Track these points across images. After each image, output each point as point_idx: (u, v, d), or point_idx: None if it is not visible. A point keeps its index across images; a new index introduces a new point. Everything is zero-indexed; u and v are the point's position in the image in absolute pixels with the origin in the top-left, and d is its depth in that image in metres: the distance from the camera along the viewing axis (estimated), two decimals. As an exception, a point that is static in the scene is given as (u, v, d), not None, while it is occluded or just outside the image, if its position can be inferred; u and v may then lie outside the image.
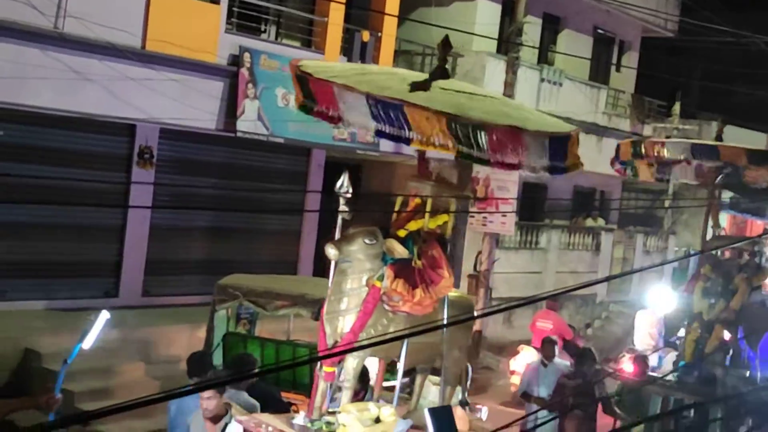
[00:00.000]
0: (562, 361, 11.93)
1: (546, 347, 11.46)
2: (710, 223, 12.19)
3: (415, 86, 6.53)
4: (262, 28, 15.90)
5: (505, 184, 16.34)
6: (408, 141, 6.28)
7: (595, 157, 18.47)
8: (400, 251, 6.73)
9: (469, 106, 6.44)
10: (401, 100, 6.16)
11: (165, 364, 12.49)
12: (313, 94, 6.94)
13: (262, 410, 7.97)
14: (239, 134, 14.23)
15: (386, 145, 16.48)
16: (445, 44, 7.34)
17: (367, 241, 6.64)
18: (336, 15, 15.77)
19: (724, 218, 26.99)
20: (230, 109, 14.07)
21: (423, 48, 18.90)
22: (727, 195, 20.82)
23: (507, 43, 17.42)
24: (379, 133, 6.44)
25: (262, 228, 16.47)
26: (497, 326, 19.22)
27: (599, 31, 24.20)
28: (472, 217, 16.64)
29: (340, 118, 6.65)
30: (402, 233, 7.04)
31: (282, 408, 8.52)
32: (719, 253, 11.54)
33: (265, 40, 15.39)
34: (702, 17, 19.60)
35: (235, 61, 14.25)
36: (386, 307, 6.72)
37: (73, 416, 2.72)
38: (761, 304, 11.14)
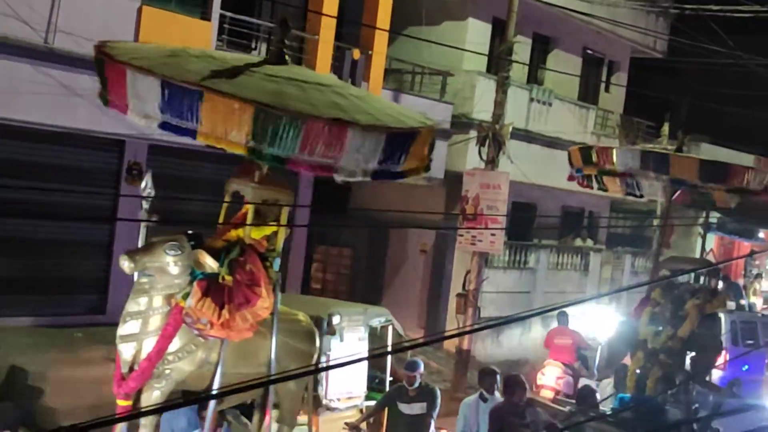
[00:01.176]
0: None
1: (485, 380, 9.47)
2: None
3: (227, 72, 5.61)
4: (253, 45, 15.86)
5: (495, 204, 16.33)
6: (194, 134, 5.43)
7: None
8: (211, 265, 5.90)
9: (292, 96, 5.54)
10: (201, 86, 5.30)
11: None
12: (107, 81, 6.00)
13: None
14: (229, 151, 14.09)
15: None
16: (283, 25, 6.43)
17: (170, 251, 5.91)
18: (327, 33, 15.75)
19: (712, 239, 27.10)
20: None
21: (413, 66, 18.93)
22: (714, 216, 20.89)
23: (498, 59, 17.45)
24: (165, 126, 5.55)
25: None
26: (486, 345, 19.16)
27: (588, 51, 24.29)
28: (461, 236, 16.61)
29: (126, 107, 5.74)
30: (220, 244, 6.22)
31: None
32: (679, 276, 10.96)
33: (256, 58, 15.32)
34: (691, 38, 19.71)
35: (226, 77, 14.16)
36: (194, 331, 5.87)
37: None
38: (711, 336, 10.16)
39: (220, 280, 5.89)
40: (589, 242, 23.91)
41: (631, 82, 25.86)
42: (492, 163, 16.60)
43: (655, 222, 25.64)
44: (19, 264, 13.07)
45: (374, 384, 10.09)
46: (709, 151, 22.99)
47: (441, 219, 18.75)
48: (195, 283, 5.84)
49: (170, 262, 5.84)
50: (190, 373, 5.99)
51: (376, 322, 10.26)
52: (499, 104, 16.80)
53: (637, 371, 10.04)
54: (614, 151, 10.67)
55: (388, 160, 5.61)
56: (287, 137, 5.20)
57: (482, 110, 18.07)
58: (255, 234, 6.30)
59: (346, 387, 9.56)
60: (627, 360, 11.02)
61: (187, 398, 6.18)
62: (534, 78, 22.52)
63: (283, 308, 6.73)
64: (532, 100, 20.92)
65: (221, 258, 5.97)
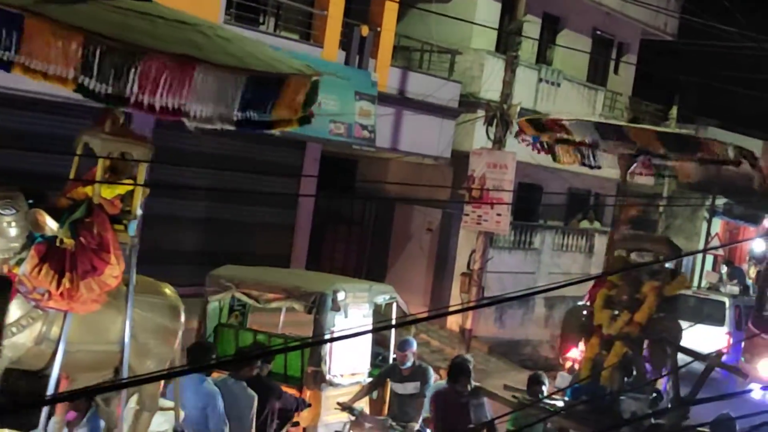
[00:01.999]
0: None
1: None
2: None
3: None
4: (261, 19, 15.80)
5: (501, 184, 16.28)
6: (8, 66, 4.64)
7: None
8: (51, 226, 5.26)
9: (137, 29, 4.92)
10: (24, 8, 4.61)
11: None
12: None
13: (261, 402, 7.93)
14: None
15: (382, 141, 16.48)
16: None
17: (3, 211, 5.20)
18: (335, 9, 15.68)
19: (717, 224, 27.07)
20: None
21: (422, 44, 18.83)
22: (720, 201, 20.76)
23: (507, 39, 17.34)
24: None
25: (255, 220, 16.37)
26: (488, 325, 19.17)
27: (598, 32, 24.15)
28: (467, 215, 16.58)
29: None
30: (64, 203, 5.56)
31: (287, 401, 8.46)
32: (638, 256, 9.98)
33: (264, 32, 15.26)
34: (703, 19, 19.56)
35: (233, 51, 14.10)
36: (30, 302, 5.29)
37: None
38: (672, 319, 9.32)
39: (58, 244, 5.21)
40: (597, 224, 23.87)
41: (640, 64, 25.73)
42: (499, 143, 16.53)
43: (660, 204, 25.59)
44: None
45: (377, 361, 10.02)
46: (718, 136, 22.85)
47: (447, 198, 18.71)
48: (32, 248, 5.20)
49: (4, 223, 5.12)
50: (27, 349, 5.37)
51: (381, 300, 10.15)
52: (508, 84, 16.70)
53: (591, 360, 9.12)
54: (567, 123, 9.94)
55: (253, 107, 5.07)
56: (122, 73, 4.62)
57: (490, 89, 17.99)
58: (106, 193, 5.55)
59: (350, 363, 9.53)
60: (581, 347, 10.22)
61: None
62: (543, 58, 22.41)
63: (144, 279, 6.20)
64: (540, 80, 20.82)
65: (63, 218, 5.28)
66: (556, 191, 22.53)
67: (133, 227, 5.73)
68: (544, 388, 8.96)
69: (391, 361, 9.81)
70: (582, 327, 9.42)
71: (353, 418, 8.77)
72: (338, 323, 9.20)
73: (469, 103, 18.38)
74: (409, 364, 9.16)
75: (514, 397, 8.99)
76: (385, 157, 17.54)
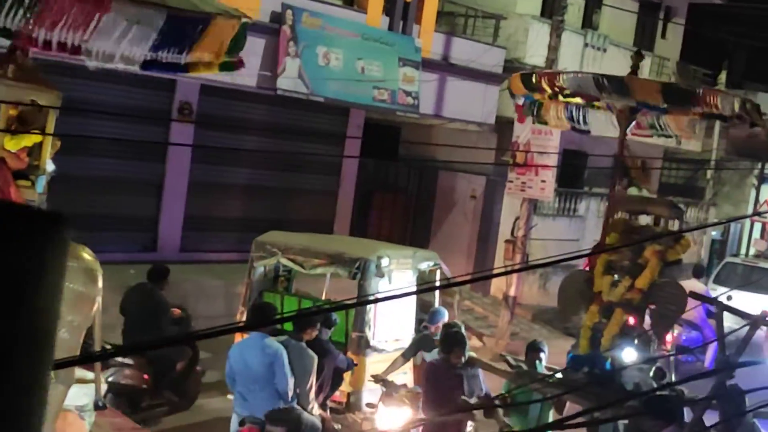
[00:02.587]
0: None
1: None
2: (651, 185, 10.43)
3: None
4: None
5: (545, 150, 16.16)
6: None
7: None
8: None
9: None
10: None
11: (203, 318, 12.56)
12: None
13: (320, 364, 8.04)
14: (279, 92, 14.12)
15: (426, 107, 16.42)
16: None
17: None
18: (379, -26, 15.61)
19: (766, 191, 26.65)
20: (271, 66, 13.97)
21: (466, 9, 18.69)
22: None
23: (553, 3, 17.12)
24: None
25: (299, 187, 16.46)
26: (532, 292, 19.12)
27: (646, -4, 23.77)
28: (511, 182, 16.50)
29: None
30: None
31: (342, 363, 8.62)
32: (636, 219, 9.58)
33: (307, -1, 15.26)
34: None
35: (277, 18, 14.13)
36: None
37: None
38: (675, 285, 8.69)
39: None
40: (645, 191, 23.62)
41: (688, 28, 25.29)
42: (544, 108, 16.37)
43: (708, 170, 25.26)
44: (72, 201, 13.24)
45: (421, 327, 9.88)
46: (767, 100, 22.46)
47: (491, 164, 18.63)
48: None
49: None
50: None
51: (425, 266, 10.19)
52: (553, 49, 16.53)
53: (591, 328, 8.68)
54: (562, 75, 9.34)
55: (166, 47, 4.65)
56: (22, 5, 4.26)
57: (535, 55, 17.81)
58: (10, 145, 5.12)
59: (394, 329, 9.56)
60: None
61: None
62: (589, 23, 22.11)
63: None
64: (586, 45, 20.56)
65: None
66: (601, 158, 22.32)
67: (42, 183, 5.33)
68: (543, 356, 8.52)
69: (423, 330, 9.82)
70: (581, 294, 8.97)
71: (384, 389, 8.79)
72: (382, 289, 9.20)
73: (513, 68, 18.16)
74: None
75: (511, 366, 8.62)
76: (428, 123, 17.47)
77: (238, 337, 8.85)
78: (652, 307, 8.57)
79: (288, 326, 8.51)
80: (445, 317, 9.36)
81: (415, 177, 19.06)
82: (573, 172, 21.60)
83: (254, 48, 13.49)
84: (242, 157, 15.30)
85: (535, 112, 10.18)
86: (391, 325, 9.57)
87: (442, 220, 19.22)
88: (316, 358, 7.95)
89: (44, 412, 0.80)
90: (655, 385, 7.92)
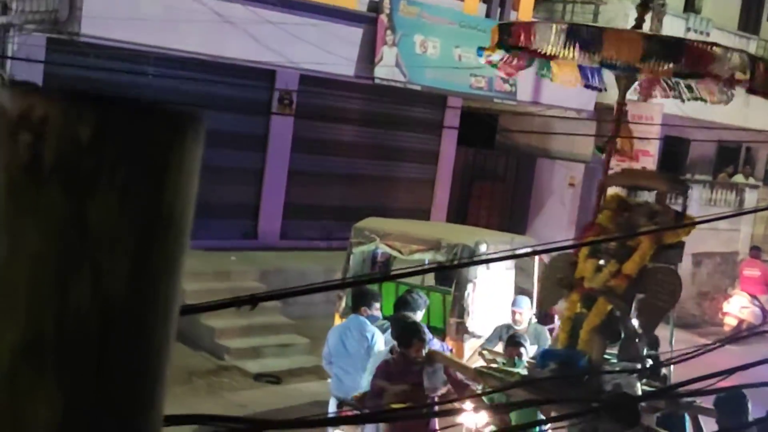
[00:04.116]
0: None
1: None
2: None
3: None
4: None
5: (647, 137, 15.86)
6: None
7: (743, 111, 17.75)
8: None
9: None
10: None
11: (301, 305, 12.78)
12: None
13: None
14: (377, 81, 14.18)
15: (523, 94, 16.30)
16: None
17: None
18: (476, -39, 15.55)
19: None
20: (368, 55, 14.06)
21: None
22: None
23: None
24: None
25: (397, 175, 16.56)
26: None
27: (751, -23, 23.08)
28: (611, 169, 16.23)
29: None
30: None
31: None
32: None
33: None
34: None
35: (375, 7, 14.22)
36: None
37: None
38: (669, 271, 7.49)
39: None
40: (752, 179, 23.02)
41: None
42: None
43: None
44: None
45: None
46: None
47: (590, 152, 18.39)
48: None
49: None
50: None
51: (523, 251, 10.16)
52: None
53: (570, 319, 7.56)
54: (537, 26, 8.09)
55: None
56: None
57: (636, 40, 17.47)
58: None
59: (492, 315, 9.44)
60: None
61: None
62: (691, 6, 21.59)
63: None
64: (688, 29, 20.09)
65: None
66: (704, 144, 21.83)
67: None
68: (523, 350, 7.78)
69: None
70: (562, 281, 7.79)
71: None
72: (480, 275, 9.25)
73: (613, 54, 17.91)
74: (524, 324, 8.82)
75: (490, 363, 7.70)
76: (526, 111, 17.34)
77: (338, 321, 8.99)
78: (641, 296, 7.39)
79: (387, 310, 8.61)
80: (527, 305, 9.08)
81: (512, 165, 18.96)
82: (674, 158, 21.17)
83: (352, 37, 13.89)
84: (341, 146, 15.48)
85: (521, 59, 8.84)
86: (489, 311, 9.50)
87: (540, 208, 19.05)
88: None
89: (178, 295, 0.85)
90: (639, 391, 6.88)
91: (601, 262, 7.46)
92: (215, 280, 12.26)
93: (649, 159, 15.78)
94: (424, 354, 7.18)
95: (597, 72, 8.87)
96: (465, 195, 18.17)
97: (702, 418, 7.18)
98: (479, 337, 9.32)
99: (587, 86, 9.32)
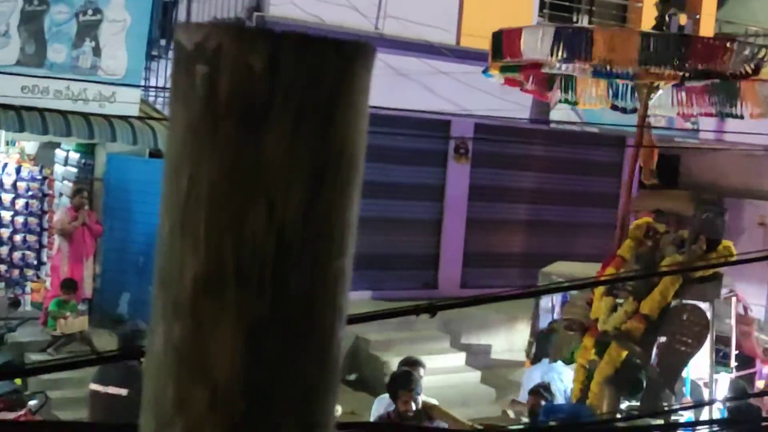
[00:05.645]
0: None
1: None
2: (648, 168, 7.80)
3: None
4: (574, 18, 15.69)
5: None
6: None
7: None
8: None
9: None
10: None
11: (484, 354, 12.74)
12: None
13: None
14: (552, 125, 14.04)
15: (706, 133, 15.73)
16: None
17: None
18: (650, -1, 15.24)
19: None
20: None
21: (745, 28, 17.76)
22: None
23: None
24: None
25: (577, 221, 16.26)
26: None
27: None
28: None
29: None
30: None
31: None
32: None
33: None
34: None
35: (548, 51, 14.13)
36: None
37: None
38: (694, 310, 6.47)
39: None
40: None
41: None
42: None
43: None
44: (363, 241, 13.81)
45: (719, 357, 9.16)
46: None
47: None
48: None
49: None
50: None
51: (725, 291, 9.69)
52: None
53: (584, 367, 6.63)
54: (525, 31, 7.07)
55: None
56: None
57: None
58: None
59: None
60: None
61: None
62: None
63: None
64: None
65: None
66: None
67: None
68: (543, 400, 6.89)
69: (733, 359, 9.22)
70: (571, 324, 7.05)
71: None
72: None
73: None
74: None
75: (518, 414, 6.99)
76: (710, 148, 16.71)
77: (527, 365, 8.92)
78: (662, 340, 6.45)
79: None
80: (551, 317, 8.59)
81: (698, 205, 18.17)
82: None
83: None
84: (518, 192, 15.40)
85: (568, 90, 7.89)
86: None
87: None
88: None
89: (353, 231, 0.86)
90: None
91: (620, 300, 6.64)
92: (397, 330, 12.38)
93: None
94: (413, 407, 6.26)
95: (630, 91, 7.90)
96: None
97: None
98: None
99: (615, 108, 8.36)
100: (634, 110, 8.29)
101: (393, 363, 10.24)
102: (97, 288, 12.11)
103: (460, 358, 12.61)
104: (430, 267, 14.69)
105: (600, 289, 6.76)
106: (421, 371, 6.81)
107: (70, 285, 11.09)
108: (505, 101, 13.34)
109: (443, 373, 11.89)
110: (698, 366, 7.09)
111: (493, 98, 13.13)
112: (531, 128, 14.48)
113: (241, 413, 0.79)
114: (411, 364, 7.12)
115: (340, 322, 0.85)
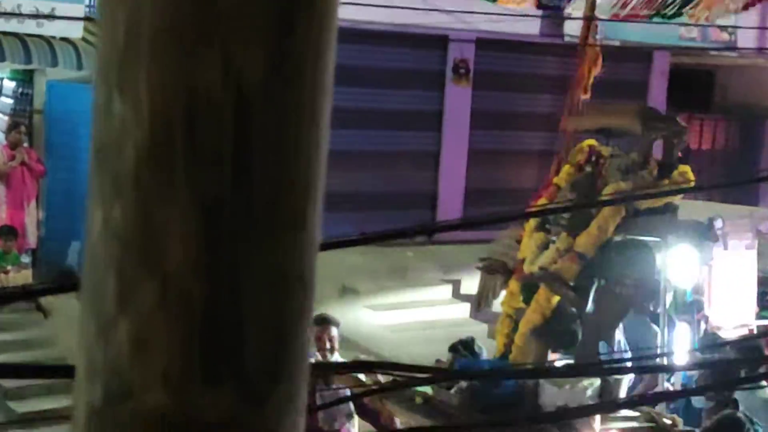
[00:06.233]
0: None
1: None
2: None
3: None
4: None
5: None
6: None
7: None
8: None
9: None
10: None
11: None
12: None
13: None
14: (566, 39, 12.98)
15: (745, 44, 14.70)
16: None
17: None
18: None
19: None
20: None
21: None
22: None
23: None
24: None
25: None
26: None
27: None
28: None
29: None
30: None
31: None
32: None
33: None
34: None
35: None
36: None
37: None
38: (640, 246, 5.84)
39: None
40: None
41: None
42: None
43: None
44: (343, 178, 12.74)
45: (765, 300, 9.10)
46: None
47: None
48: None
49: None
50: None
51: (765, 227, 9.63)
52: None
53: (509, 317, 6.14)
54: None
55: None
56: None
57: None
58: None
59: (733, 308, 8.59)
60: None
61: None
62: None
63: None
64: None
65: None
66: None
67: None
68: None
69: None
70: (492, 265, 6.31)
71: None
72: (717, 256, 8.32)
73: None
74: None
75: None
76: (750, 64, 15.66)
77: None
78: (601, 283, 5.80)
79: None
80: None
81: (734, 130, 17.30)
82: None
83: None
84: (528, 119, 14.29)
85: None
86: (730, 303, 8.59)
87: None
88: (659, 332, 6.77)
89: (328, 98, 0.79)
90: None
91: (553, 238, 5.93)
92: (391, 278, 11.77)
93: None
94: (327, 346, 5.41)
95: None
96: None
97: None
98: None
99: (541, 7, 8.06)
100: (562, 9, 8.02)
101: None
102: (42, 237, 11.48)
103: (464, 309, 11.55)
104: (427, 206, 13.80)
105: (531, 224, 6.12)
106: (333, 330, 5.65)
107: (9, 233, 10.55)
108: (508, 12, 12.39)
109: (444, 327, 10.74)
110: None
111: (495, 8, 12.31)
112: (542, 43, 13.54)
113: (199, 308, 0.72)
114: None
115: (317, 209, 0.76)
